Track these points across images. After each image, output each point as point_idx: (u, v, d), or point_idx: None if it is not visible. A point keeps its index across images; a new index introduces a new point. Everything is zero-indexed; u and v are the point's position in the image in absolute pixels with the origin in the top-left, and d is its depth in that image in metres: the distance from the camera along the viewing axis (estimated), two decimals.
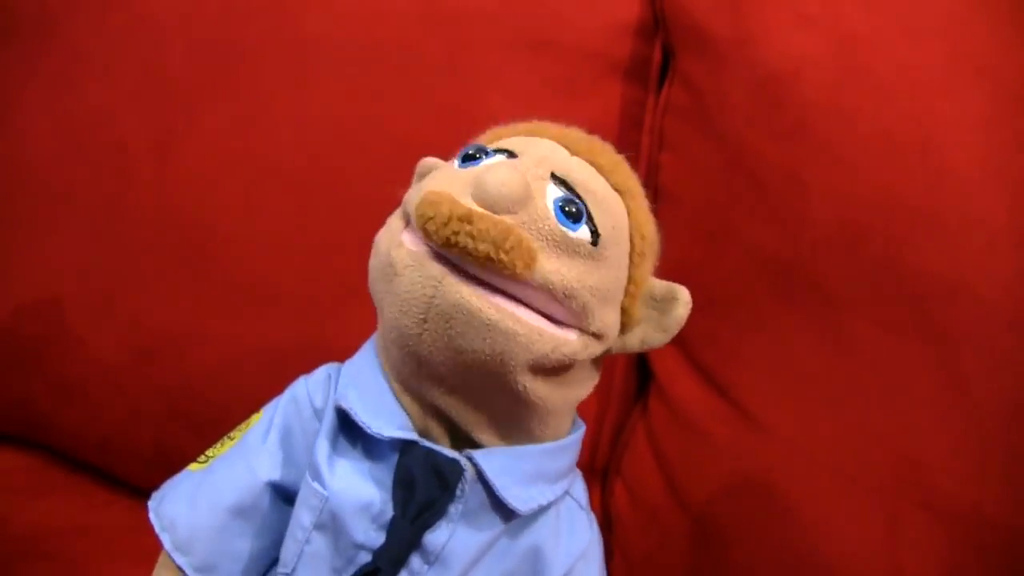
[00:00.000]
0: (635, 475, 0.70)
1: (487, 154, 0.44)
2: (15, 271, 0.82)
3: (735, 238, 0.64)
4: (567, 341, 0.42)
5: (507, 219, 0.40)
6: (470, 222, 0.39)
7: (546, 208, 0.42)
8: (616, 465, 0.72)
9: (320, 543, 0.45)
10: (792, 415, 0.62)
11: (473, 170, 0.42)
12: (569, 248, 0.42)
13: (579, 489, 0.51)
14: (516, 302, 0.41)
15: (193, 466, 0.51)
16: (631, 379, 0.72)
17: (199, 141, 0.76)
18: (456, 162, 0.45)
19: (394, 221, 0.45)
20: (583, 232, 0.42)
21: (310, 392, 0.49)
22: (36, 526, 0.78)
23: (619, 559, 0.72)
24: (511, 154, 0.44)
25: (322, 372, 0.50)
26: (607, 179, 0.45)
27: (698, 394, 0.66)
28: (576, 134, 0.47)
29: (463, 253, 0.39)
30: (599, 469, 0.72)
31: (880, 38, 0.60)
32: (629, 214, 0.45)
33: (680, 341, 0.67)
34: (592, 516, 0.51)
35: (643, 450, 0.70)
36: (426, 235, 0.39)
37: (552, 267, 0.41)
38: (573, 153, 0.45)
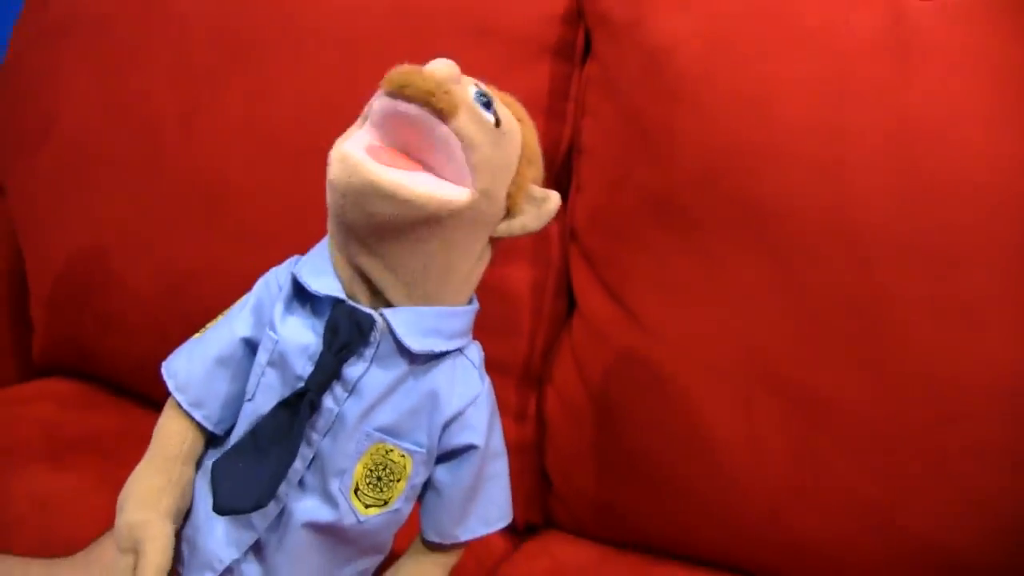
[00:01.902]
0: (561, 381, 0.86)
1: None
2: (69, 223, 0.99)
3: (629, 182, 0.80)
4: (453, 199, 0.57)
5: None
6: (420, 75, 0.56)
7: (467, 90, 0.58)
8: (548, 374, 0.87)
9: (272, 376, 0.62)
10: (671, 319, 0.77)
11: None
12: (479, 119, 0.58)
13: (475, 353, 0.65)
14: (418, 167, 0.57)
15: (195, 335, 0.68)
16: (560, 304, 0.88)
17: (217, 114, 0.93)
18: None
19: (350, 131, 0.62)
20: (490, 116, 0.59)
21: (277, 275, 0.66)
22: (85, 430, 0.93)
23: (552, 454, 0.87)
24: None
25: (288, 260, 0.67)
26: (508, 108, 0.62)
27: (604, 307, 0.82)
28: (489, 87, 0.64)
29: (413, 93, 0.55)
30: (534, 377, 0.88)
31: (740, 18, 0.76)
32: (522, 133, 0.62)
33: (593, 266, 0.83)
34: (485, 375, 0.65)
35: (567, 359, 0.85)
36: (392, 87, 0.56)
37: (467, 124, 0.57)
38: None
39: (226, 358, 0.64)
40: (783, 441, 0.74)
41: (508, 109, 0.62)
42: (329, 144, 0.84)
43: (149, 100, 0.95)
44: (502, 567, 0.83)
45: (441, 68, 0.57)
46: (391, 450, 0.62)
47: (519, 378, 0.87)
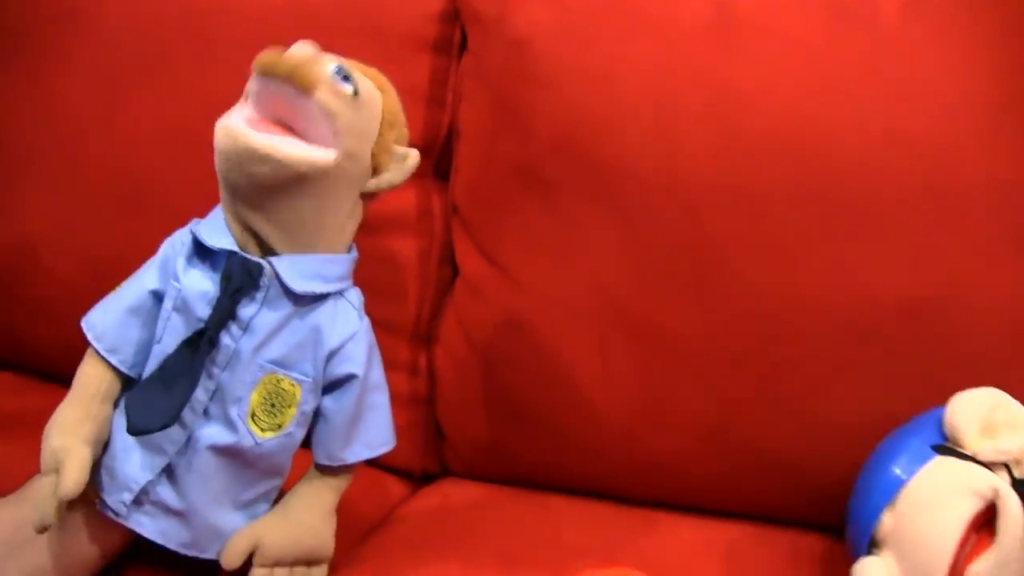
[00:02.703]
0: (447, 338, 0.96)
1: None
2: None
3: (497, 155, 0.90)
4: (320, 160, 0.67)
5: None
6: (282, 58, 0.66)
7: (326, 68, 0.68)
8: (435, 334, 0.97)
9: (177, 320, 0.71)
10: (536, 273, 0.88)
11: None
12: (338, 92, 0.68)
13: (355, 296, 0.75)
14: (290, 134, 0.67)
15: (111, 293, 0.77)
16: (445, 271, 0.98)
17: (135, 112, 1.00)
18: None
19: (234, 108, 0.71)
20: (348, 88, 0.69)
21: (181, 235, 0.75)
22: (17, 411, 0.99)
23: (442, 406, 0.97)
24: None
25: (190, 223, 0.76)
26: (370, 80, 0.72)
27: (481, 269, 0.92)
28: (354, 62, 0.74)
29: (277, 72, 0.65)
30: (423, 337, 0.98)
31: (589, 9, 0.87)
32: (383, 101, 0.73)
33: (470, 233, 0.94)
34: (364, 315, 0.75)
35: (451, 319, 0.95)
36: (260, 68, 0.66)
37: (327, 96, 0.67)
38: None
39: (137, 308, 0.74)
40: (633, 372, 0.85)
41: (371, 81, 0.73)
42: None
43: (71, 102, 1.04)
44: (398, 508, 0.93)
45: (301, 49, 0.68)
46: (282, 380, 0.72)
47: (410, 338, 0.97)
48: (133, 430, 0.68)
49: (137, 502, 0.72)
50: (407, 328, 0.97)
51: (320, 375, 0.73)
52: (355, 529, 0.87)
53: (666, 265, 0.83)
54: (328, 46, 0.95)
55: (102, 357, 0.73)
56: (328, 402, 0.74)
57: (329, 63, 0.69)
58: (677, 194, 0.82)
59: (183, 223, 0.93)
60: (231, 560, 0.72)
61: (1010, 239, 0.78)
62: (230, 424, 0.71)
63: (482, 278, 0.92)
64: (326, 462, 0.76)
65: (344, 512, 0.80)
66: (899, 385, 0.78)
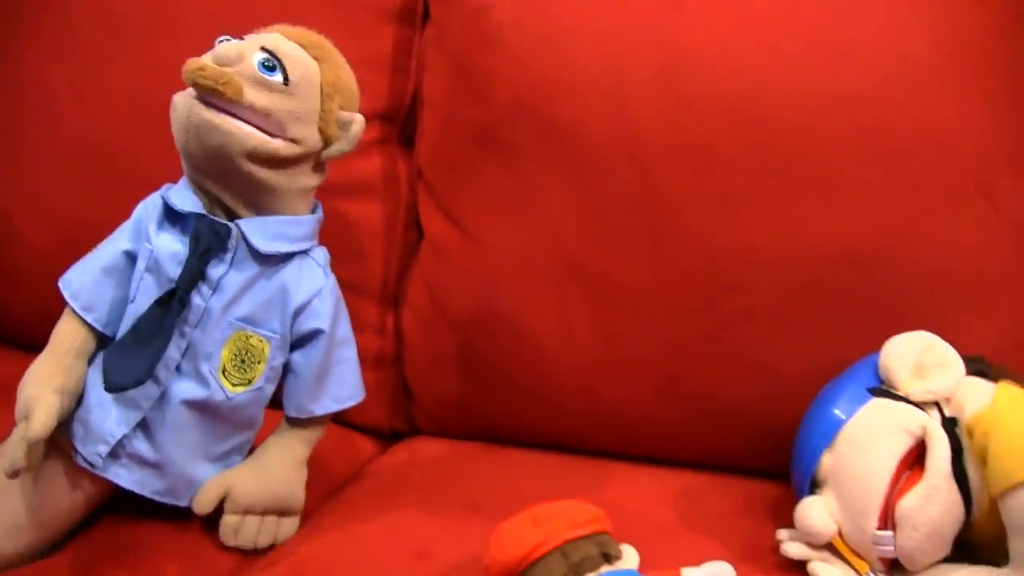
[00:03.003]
0: (414, 299, 0.99)
1: (231, 39, 0.74)
2: None
3: (458, 120, 0.93)
4: (270, 141, 0.71)
5: (227, 69, 0.69)
6: (203, 70, 0.68)
7: (251, 64, 0.71)
8: (403, 295, 1.00)
9: (149, 280, 0.74)
10: (498, 233, 0.91)
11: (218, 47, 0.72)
12: (267, 86, 0.71)
13: (320, 255, 0.78)
14: (240, 120, 0.70)
15: (87, 255, 0.79)
16: (411, 234, 1.01)
17: (106, 85, 1.03)
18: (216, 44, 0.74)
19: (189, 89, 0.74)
20: (277, 77, 0.71)
21: (152, 199, 0.78)
22: None
23: (410, 365, 1.00)
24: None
25: (162, 187, 0.79)
26: (308, 51, 0.75)
27: (445, 231, 0.96)
28: (297, 30, 0.77)
29: (200, 87, 0.68)
30: (391, 298, 1.01)
31: None
32: (322, 72, 0.75)
33: (435, 197, 0.97)
34: (329, 273, 0.79)
35: (418, 280, 0.99)
36: (186, 79, 0.69)
37: (255, 96, 0.70)
38: (289, 38, 0.75)
39: (111, 268, 0.77)
40: (591, 327, 0.89)
41: (309, 51, 0.75)
42: None
43: (42, 77, 1.06)
44: (368, 464, 0.96)
45: (223, 55, 0.70)
46: (251, 336, 0.75)
47: (378, 300, 1.00)
48: (109, 387, 0.71)
49: (113, 455, 0.75)
50: (375, 290, 1.00)
51: (287, 331, 0.76)
52: (326, 485, 0.91)
53: (621, 222, 0.86)
54: (293, 18, 0.98)
55: (78, 315, 0.76)
56: (297, 357, 0.78)
57: (254, 55, 0.71)
58: (631, 153, 0.85)
59: (154, 191, 0.96)
60: (202, 506, 0.75)
61: (948, 193, 0.81)
62: (202, 379, 0.74)
63: (446, 240, 0.95)
64: (296, 415, 0.79)
65: (315, 469, 0.83)
66: (846, 334, 0.82)
